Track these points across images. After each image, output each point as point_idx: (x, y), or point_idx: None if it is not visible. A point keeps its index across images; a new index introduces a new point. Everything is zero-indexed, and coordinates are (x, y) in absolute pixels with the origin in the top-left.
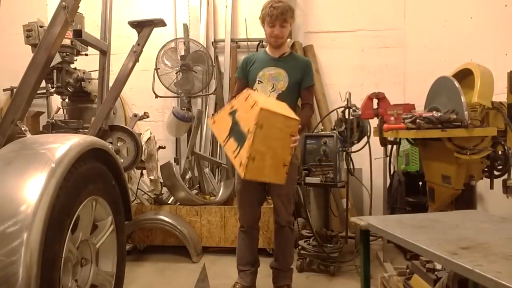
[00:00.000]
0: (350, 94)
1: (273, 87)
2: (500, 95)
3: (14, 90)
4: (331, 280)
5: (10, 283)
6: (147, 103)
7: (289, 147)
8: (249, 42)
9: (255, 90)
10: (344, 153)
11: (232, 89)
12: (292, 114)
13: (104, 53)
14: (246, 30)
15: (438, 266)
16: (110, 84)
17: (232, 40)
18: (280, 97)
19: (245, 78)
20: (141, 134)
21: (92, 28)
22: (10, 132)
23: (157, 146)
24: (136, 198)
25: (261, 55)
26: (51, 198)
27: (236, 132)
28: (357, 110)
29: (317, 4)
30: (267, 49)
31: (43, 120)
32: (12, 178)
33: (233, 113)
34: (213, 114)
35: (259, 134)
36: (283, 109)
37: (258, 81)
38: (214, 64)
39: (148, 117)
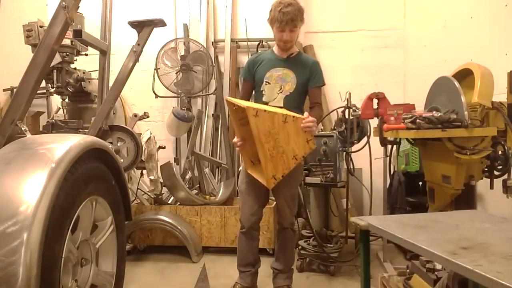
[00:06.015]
0: (350, 94)
1: (280, 89)
2: (500, 95)
3: (14, 90)
4: (331, 280)
5: (10, 283)
6: (147, 103)
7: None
8: (249, 42)
9: (262, 91)
10: (344, 153)
11: (232, 89)
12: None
13: (104, 53)
14: (246, 30)
15: (438, 266)
16: (110, 84)
17: (232, 40)
18: (287, 99)
19: (251, 80)
20: (141, 134)
21: (92, 28)
22: (10, 132)
23: (157, 146)
24: (136, 198)
25: (268, 55)
26: (51, 198)
27: None
28: (357, 110)
29: (317, 4)
30: (274, 48)
31: (43, 120)
32: (12, 178)
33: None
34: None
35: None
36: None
37: (266, 82)
38: (214, 64)
39: (148, 117)
